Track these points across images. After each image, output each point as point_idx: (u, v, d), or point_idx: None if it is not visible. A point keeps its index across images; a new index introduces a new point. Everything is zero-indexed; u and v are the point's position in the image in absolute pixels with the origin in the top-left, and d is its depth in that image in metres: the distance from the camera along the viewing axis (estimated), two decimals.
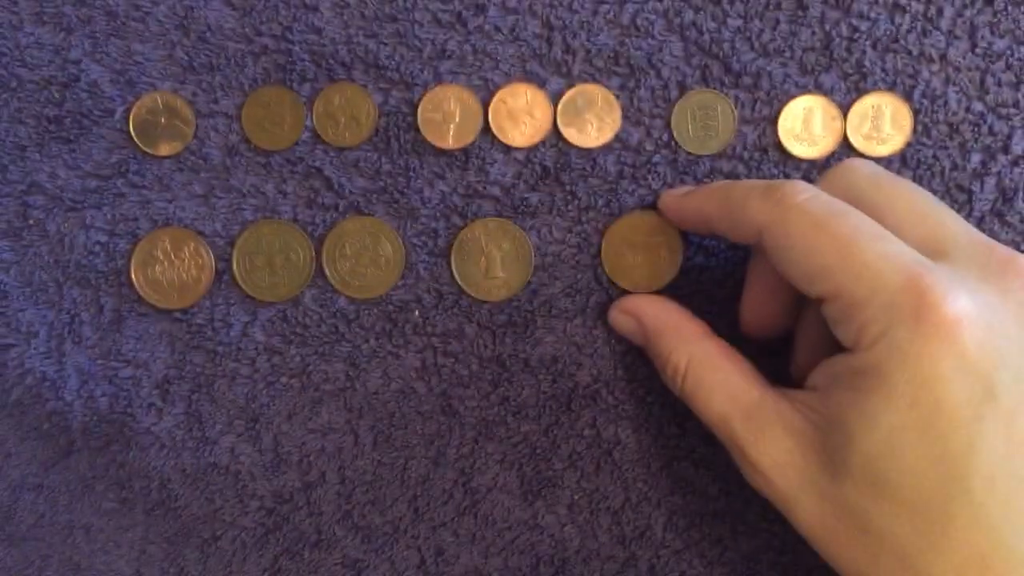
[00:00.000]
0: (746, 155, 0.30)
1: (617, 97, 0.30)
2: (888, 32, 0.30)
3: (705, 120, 0.30)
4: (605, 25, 0.30)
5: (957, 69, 0.30)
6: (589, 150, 0.30)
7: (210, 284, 0.30)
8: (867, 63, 0.30)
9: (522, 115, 0.30)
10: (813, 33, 0.30)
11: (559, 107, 0.30)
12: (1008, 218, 0.30)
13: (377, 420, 0.31)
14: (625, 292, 0.30)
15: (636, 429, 0.31)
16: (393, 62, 0.30)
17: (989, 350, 0.21)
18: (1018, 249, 0.28)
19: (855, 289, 0.22)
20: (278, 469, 0.31)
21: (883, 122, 0.30)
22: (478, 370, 0.31)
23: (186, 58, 0.30)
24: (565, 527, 0.31)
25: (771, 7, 0.30)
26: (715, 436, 0.26)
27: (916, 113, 0.30)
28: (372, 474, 0.31)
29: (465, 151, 0.30)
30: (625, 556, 0.31)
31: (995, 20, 0.30)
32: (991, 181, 0.30)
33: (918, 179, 0.30)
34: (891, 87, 0.30)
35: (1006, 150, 0.30)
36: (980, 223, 0.30)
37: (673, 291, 0.30)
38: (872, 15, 0.30)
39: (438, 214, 0.30)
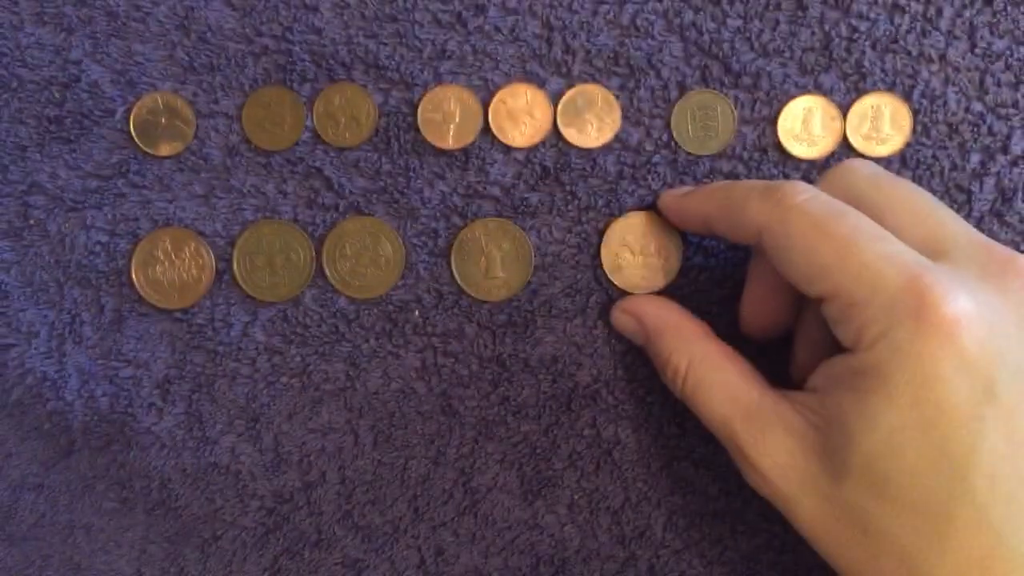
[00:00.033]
0: (746, 155, 0.30)
1: (617, 97, 0.30)
2: (887, 32, 0.30)
3: (705, 120, 0.30)
4: (605, 25, 0.30)
5: (956, 69, 0.30)
6: (589, 150, 0.30)
7: (210, 284, 0.30)
8: (866, 63, 0.30)
9: (522, 115, 0.30)
10: (813, 33, 0.30)
11: (559, 107, 0.30)
12: (1007, 218, 0.30)
13: (377, 420, 0.31)
14: (625, 292, 0.30)
15: (636, 429, 0.31)
16: (393, 62, 0.30)
17: (989, 350, 0.21)
18: (1018, 249, 0.29)
19: (855, 289, 0.22)
20: (278, 469, 0.31)
21: (882, 122, 0.30)
22: (478, 370, 0.31)
23: (187, 58, 0.30)
24: (565, 527, 0.31)
25: (771, 7, 0.30)
26: (715, 436, 0.26)
27: (915, 113, 0.30)
28: (372, 474, 0.31)
29: (465, 151, 0.30)
30: (625, 556, 0.31)
31: (994, 20, 0.30)
32: (990, 181, 0.30)
33: (918, 179, 0.30)
34: (890, 87, 0.30)
35: (1005, 150, 0.30)
36: (979, 223, 0.30)
37: (673, 291, 0.30)
38: (871, 15, 0.30)
39: (438, 214, 0.30)
